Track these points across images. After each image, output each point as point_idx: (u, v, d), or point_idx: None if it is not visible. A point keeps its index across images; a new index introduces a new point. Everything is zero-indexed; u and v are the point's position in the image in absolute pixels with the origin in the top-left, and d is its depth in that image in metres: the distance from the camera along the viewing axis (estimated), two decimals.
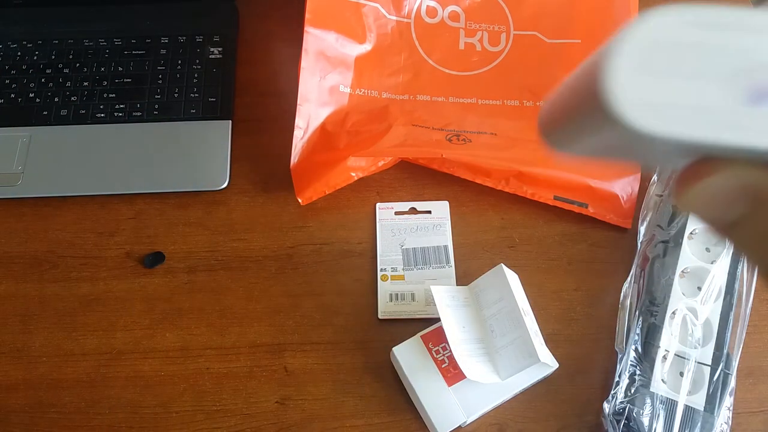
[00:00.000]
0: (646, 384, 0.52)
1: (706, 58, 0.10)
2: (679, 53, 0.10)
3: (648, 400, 0.52)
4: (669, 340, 0.54)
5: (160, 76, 0.69)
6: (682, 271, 0.56)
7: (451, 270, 0.60)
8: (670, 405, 0.52)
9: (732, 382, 0.53)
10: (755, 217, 0.13)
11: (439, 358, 0.53)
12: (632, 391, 0.52)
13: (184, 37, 0.71)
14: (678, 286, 0.56)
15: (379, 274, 0.59)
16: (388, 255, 0.60)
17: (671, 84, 0.11)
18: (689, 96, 0.10)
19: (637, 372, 0.53)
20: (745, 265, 0.57)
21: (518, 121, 0.66)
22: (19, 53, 0.70)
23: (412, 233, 0.61)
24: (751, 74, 0.10)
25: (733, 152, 0.11)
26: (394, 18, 0.68)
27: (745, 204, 0.13)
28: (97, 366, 0.56)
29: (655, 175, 0.63)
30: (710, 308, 0.55)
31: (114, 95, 0.68)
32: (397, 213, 0.63)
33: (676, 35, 0.11)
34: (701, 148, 0.12)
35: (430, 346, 0.53)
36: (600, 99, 0.11)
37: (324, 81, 0.64)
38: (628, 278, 0.58)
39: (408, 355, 0.53)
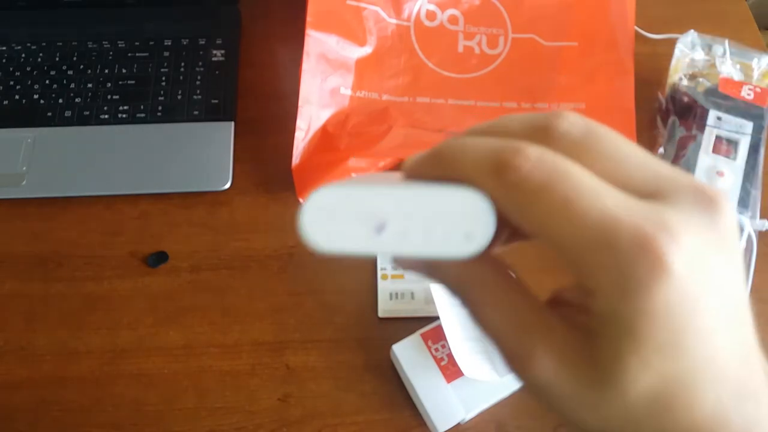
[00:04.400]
0: None
1: (354, 210, 0.20)
2: (338, 209, 0.20)
3: None
4: None
5: (163, 78, 0.70)
6: None
7: None
8: None
9: None
10: None
11: (439, 356, 0.54)
12: None
13: (187, 40, 0.72)
14: None
15: (379, 273, 0.60)
16: None
17: (339, 224, 0.20)
18: (348, 230, 0.20)
19: None
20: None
21: None
22: (23, 55, 0.71)
23: None
24: (378, 216, 0.20)
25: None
26: (394, 21, 0.69)
27: None
28: (101, 364, 0.57)
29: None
30: None
31: (118, 97, 0.68)
32: None
33: (337, 200, 0.20)
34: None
35: (429, 343, 0.54)
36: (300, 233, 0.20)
37: (325, 83, 0.65)
38: None
39: (408, 353, 0.54)
